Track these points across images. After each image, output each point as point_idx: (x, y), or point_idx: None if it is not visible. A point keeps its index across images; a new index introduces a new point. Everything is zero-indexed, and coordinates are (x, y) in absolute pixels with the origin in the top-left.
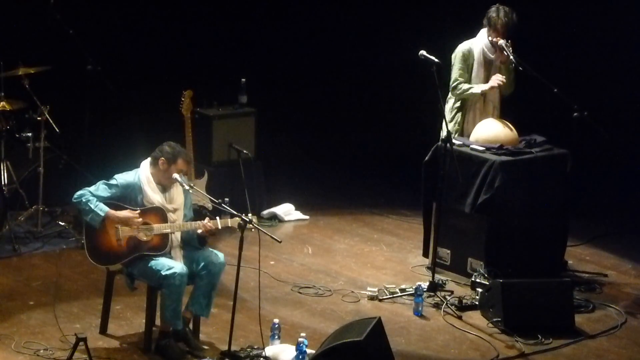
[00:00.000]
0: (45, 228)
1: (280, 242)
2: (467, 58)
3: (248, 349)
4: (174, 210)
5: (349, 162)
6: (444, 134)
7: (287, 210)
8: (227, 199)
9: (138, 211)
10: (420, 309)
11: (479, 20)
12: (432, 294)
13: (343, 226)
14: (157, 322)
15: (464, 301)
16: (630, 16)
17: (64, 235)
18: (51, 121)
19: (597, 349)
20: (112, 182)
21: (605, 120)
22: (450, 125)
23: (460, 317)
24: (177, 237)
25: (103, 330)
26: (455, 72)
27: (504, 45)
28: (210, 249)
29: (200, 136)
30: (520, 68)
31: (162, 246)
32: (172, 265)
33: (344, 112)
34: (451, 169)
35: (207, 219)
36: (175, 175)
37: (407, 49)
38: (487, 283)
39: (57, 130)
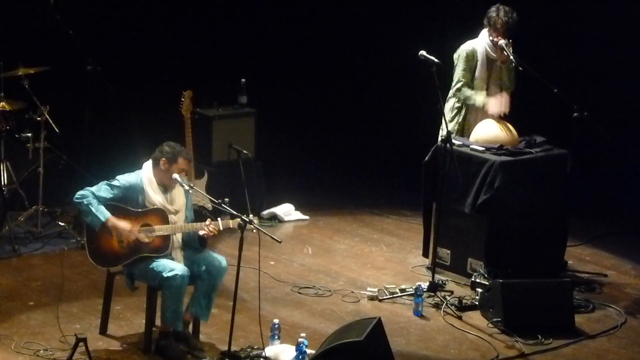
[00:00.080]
0: (45, 228)
1: (280, 242)
2: (471, 59)
3: (248, 349)
4: (175, 212)
5: (349, 162)
6: (443, 133)
7: (287, 211)
8: (227, 199)
9: (137, 229)
10: (420, 309)
11: (479, 20)
12: (432, 294)
13: (343, 226)
14: (157, 322)
15: (464, 301)
16: (630, 16)
17: (64, 235)
18: (51, 121)
19: (597, 349)
20: (114, 183)
21: (605, 120)
22: (451, 125)
23: (460, 318)
24: (178, 238)
25: (103, 330)
26: (458, 73)
27: (504, 45)
28: (212, 253)
29: (200, 136)
30: (520, 68)
31: (163, 248)
32: (173, 266)
33: (344, 113)
34: (451, 169)
35: (208, 220)
36: (175, 176)
37: (407, 49)
38: (487, 283)
39: (57, 131)
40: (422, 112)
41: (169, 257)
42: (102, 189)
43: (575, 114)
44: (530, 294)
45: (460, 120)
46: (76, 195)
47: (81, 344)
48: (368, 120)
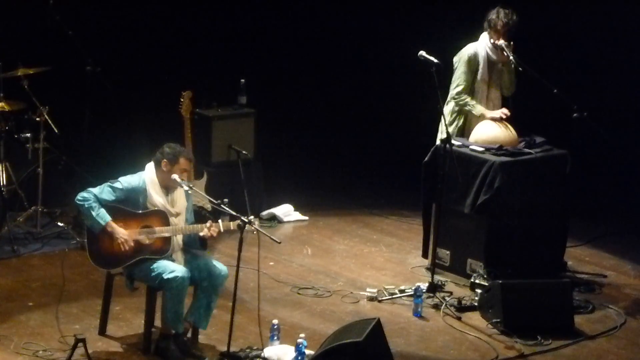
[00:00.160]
0: (45, 229)
1: (279, 242)
2: (473, 62)
3: (247, 350)
4: (176, 215)
5: (348, 163)
6: (440, 135)
7: (286, 211)
8: (226, 200)
9: (137, 231)
10: (419, 309)
11: (479, 21)
12: (432, 294)
13: (342, 227)
14: (157, 323)
15: (464, 302)
16: (630, 16)
17: (63, 236)
18: (50, 122)
19: (597, 350)
20: (117, 185)
21: (605, 121)
22: (450, 129)
23: (459, 318)
24: (179, 240)
25: (102, 331)
26: (458, 77)
27: (503, 45)
28: (214, 261)
29: (200, 137)
30: (520, 68)
31: (164, 249)
32: (174, 268)
33: (343, 113)
34: (451, 170)
35: (209, 222)
36: (174, 176)
37: (407, 49)
38: (487, 284)
39: (57, 131)
40: (422, 112)
41: (170, 258)
42: (104, 191)
43: (575, 115)
44: (529, 295)
45: (460, 124)
46: (78, 197)
47: (80, 344)
48: (368, 120)
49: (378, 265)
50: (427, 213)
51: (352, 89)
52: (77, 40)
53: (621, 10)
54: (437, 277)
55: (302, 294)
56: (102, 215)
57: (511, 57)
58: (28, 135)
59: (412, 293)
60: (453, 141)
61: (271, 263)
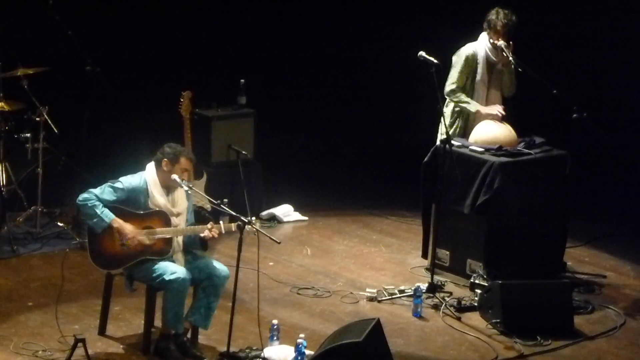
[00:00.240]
0: (44, 229)
1: (279, 243)
2: (471, 62)
3: (247, 350)
4: (177, 215)
5: (348, 163)
6: (440, 135)
7: (286, 211)
8: (226, 200)
9: (140, 238)
10: (419, 310)
11: (478, 21)
12: (431, 295)
13: (342, 227)
14: (156, 323)
15: (463, 302)
16: (630, 16)
17: (63, 236)
18: (50, 122)
19: (596, 350)
20: (118, 185)
21: (604, 121)
22: (452, 129)
23: (459, 319)
24: (179, 241)
25: (102, 331)
26: (454, 75)
27: (503, 46)
28: (215, 262)
29: (200, 137)
30: (519, 69)
31: (165, 250)
32: (175, 269)
33: (343, 113)
34: (450, 170)
35: (210, 223)
36: (174, 176)
37: (407, 50)
38: (486, 284)
39: (56, 131)
40: (421, 112)
41: (170, 259)
42: (105, 192)
43: (574, 115)
44: (529, 295)
45: (460, 124)
46: (79, 198)
47: (80, 344)
48: (368, 120)
49: (378, 266)
50: (427, 213)
51: (352, 89)
52: (77, 40)
53: (621, 11)
54: (437, 278)
55: (302, 294)
56: (107, 213)
57: (511, 58)
58: (28, 135)
59: (412, 293)
60: (453, 141)
61: (271, 263)
